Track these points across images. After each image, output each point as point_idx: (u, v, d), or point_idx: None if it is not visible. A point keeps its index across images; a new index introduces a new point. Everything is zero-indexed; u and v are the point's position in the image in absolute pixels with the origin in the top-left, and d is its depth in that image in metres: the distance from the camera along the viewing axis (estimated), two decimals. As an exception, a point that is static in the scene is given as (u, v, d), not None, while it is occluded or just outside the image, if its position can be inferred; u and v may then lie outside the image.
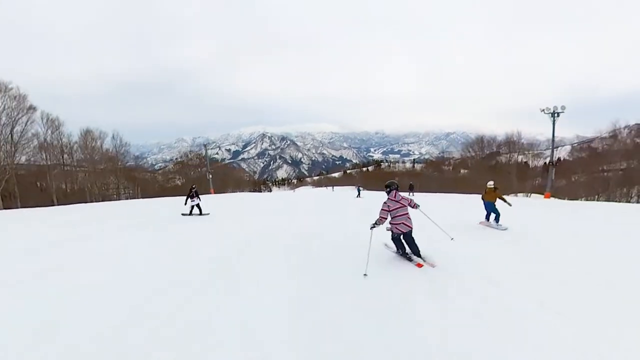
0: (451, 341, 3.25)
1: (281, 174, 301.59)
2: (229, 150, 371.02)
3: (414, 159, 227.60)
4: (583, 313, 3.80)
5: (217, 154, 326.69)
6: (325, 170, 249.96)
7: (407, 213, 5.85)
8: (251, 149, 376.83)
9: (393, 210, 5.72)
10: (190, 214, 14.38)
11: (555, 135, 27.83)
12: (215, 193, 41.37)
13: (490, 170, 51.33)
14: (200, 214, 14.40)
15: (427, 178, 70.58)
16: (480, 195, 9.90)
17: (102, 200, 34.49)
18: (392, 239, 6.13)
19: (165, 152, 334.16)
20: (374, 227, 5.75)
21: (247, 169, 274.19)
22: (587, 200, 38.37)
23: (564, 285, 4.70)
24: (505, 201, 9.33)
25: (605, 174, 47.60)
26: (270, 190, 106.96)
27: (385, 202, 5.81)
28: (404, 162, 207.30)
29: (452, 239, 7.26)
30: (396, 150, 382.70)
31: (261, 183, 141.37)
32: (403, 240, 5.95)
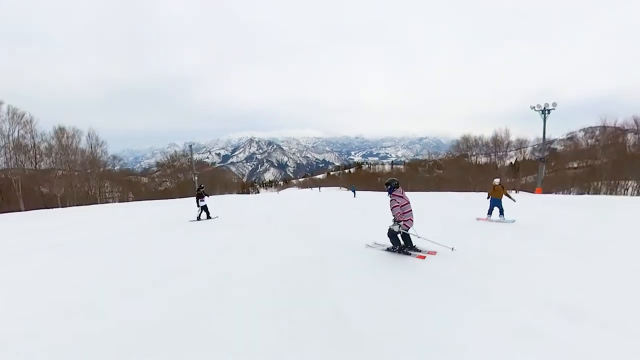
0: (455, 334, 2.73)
1: (268, 176, 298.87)
2: (218, 155, 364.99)
3: (392, 161, 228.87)
4: (582, 312, 3.10)
5: (207, 158, 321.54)
6: (310, 173, 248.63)
7: (411, 209, 5.39)
8: (240, 153, 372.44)
9: (404, 205, 5.22)
10: (199, 219, 11.84)
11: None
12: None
13: (480, 170, 51.04)
14: (208, 217, 12.05)
15: (411, 178, 69.83)
16: (487, 193, 9.68)
17: (79, 204, 29.46)
18: (391, 235, 5.46)
19: (159, 157, 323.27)
20: (398, 227, 5.24)
21: (236, 172, 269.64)
22: (555, 193, 38.29)
23: (562, 278, 4.08)
24: (510, 197, 9.42)
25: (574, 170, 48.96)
26: (258, 192, 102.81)
27: (394, 200, 5.28)
28: (383, 164, 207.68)
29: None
30: (375, 153, 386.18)
31: (249, 185, 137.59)
32: (400, 237, 5.45)
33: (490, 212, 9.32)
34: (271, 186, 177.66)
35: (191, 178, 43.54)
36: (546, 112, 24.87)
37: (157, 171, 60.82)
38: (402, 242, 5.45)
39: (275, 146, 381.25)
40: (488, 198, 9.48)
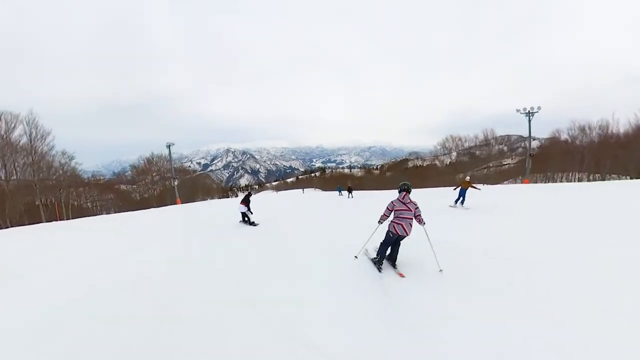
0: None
1: (243, 181, 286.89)
2: (199, 164, 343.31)
3: (350, 166, 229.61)
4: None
5: (189, 166, 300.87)
6: (281, 178, 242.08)
7: (411, 218, 4.28)
8: (218, 162, 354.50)
9: (397, 210, 4.29)
10: (251, 223, 9.27)
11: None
12: (182, 202, 30.27)
13: (422, 170, 51.20)
14: (250, 223, 9.34)
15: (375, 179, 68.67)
16: (460, 186, 10.37)
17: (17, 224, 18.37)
18: (383, 241, 4.49)
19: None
20: (381, 222, 4.58)
21: (215, 179, 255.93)
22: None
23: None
24: (475, 187, 10.50)
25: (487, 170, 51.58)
26: (237, 196, 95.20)
27: (392, 201, 4.39)
28: (343, 169, 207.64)
29: (440, 270, 4.35)
30: (332, 160, 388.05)
31: (228, 189, 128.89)
32: (389, 247, 4.48)
33: (457, 201, 10.17)
34: (247, 190, 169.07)
35: (170, 183, 34.40)
36: (530, 114, 24.29)
37: (137, 180, 45.53)
38: (385, 253, 4.50)
39: (249, 155, 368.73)
40: (455, 189, 10.41)
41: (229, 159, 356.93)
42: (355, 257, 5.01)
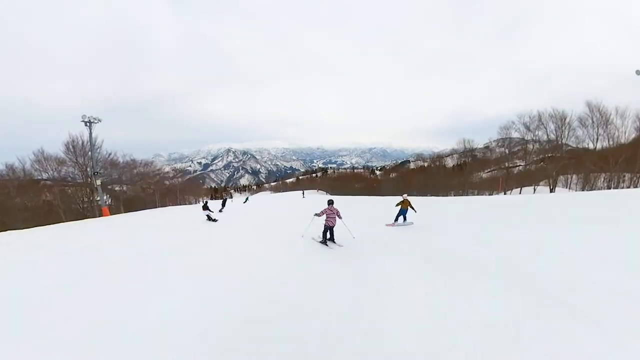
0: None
1: (243, 181, 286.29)
2: (200, 163, 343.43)
3: (353, 167, 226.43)
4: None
5: (190, 166, 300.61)
6: (281, 178, 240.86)
7: (334, 217, 7.41)
8: (218, 161, 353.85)
9: (327, 212, 7.34)
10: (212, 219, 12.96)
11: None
12: (120, 212, 22.54)
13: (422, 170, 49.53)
14: (210, 219, 12.97)
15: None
16: (399, 204, 10.36)
17: None
18: (324, 230, 7.49)
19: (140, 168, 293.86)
20: (317, 215, 7.67)
21: (215, 179, 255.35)
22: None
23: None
24: (412, 208, 10.14)
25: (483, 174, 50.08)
26: (231, 197, 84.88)
27: (325, 208, 7.37)
28: (345, 169, 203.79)
29: (354, 237, 7.83)
30: (333, 161, 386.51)
31: (222, 190, 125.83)
32: (327, 232, 7.50)
33: (397, 219, 10.24)
34: (245, 190, 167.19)
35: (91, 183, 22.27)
36: None
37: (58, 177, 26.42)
38: (326, 236, 7.52)
39: (249, 155, 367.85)
40: (397, 205, 10.21)
41: (230, 159, 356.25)
42: (302, 236, 8.14)
